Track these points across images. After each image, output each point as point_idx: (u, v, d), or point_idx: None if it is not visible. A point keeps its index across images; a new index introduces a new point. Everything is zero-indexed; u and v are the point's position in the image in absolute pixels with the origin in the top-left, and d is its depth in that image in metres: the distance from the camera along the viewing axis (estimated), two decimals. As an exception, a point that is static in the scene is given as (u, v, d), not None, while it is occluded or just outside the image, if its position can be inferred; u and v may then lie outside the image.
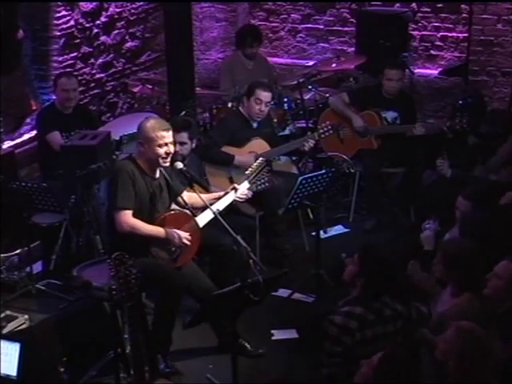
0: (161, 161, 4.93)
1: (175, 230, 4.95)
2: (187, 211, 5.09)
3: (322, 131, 6.50)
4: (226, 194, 5.30)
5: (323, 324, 3.94)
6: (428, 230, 5.01)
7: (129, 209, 4.86)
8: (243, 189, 5.39)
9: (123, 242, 4.72)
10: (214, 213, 4.86)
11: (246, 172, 5.56)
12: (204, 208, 5.08)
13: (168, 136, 4.95)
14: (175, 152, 5.67)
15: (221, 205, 5.19)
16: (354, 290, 4.07)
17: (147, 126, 4.95)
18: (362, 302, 3.97)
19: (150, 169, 5.00)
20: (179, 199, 5.17)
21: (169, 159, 4.98)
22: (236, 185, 5.39)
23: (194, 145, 5.93)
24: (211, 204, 5.07)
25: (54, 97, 6.87)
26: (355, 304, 3.98)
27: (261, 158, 5.66)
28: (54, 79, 6.80)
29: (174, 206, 5.20)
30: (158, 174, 5.04)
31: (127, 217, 4.85)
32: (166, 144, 4.93)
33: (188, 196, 5.20)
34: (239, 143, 6.42)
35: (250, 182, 5.47)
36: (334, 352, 3.87)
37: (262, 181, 5.89)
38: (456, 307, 4.15)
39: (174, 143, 5.22)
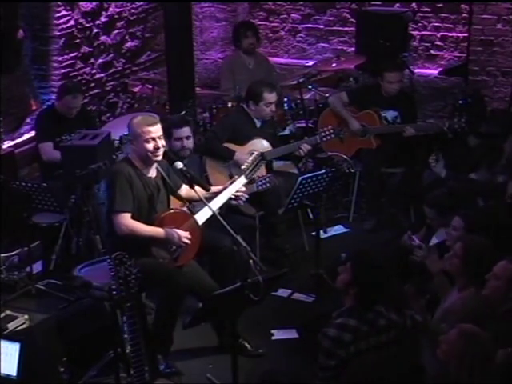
0: (151, 155, 4.92)
1: (174, 230, 4.94)
2: (186, 209, 5.10)
3: (323, 134, 6.49)
4: (225, 188, 5.29)
5: (318, 337, 3.90)
6: (417, 242, 5.04)
7: (127, 211, 4.86)
8: (240, 184, 5.37)
9: (123, 243, 4.71)
10: (212, 211, 4.86)
11: (242, 167, 5.54)
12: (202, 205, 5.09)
13: (154, 131, 4.93)
14: (183, 147, 5.69)
15: (218, 201, 5.18)
16: (347, 298, 4.02)
17: (134, 123, 4.98)
18: (356, 313, 3.92)
19: (145, 167, 4.99)
20: (181, 194, 5.19)
21: (159, 153, 4.95)
22: (236, 177, 5.38)
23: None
24: (209, 199, 5.06)
25: (54, 97, 6.89)
26: (349, 316, 3.92)
27: (256, 153, 5.63)
28: (60, 86, 6.77)
29: (172, 205, 5.20)
30: (154, 173, 5.03)
31: (126, 219, 4.85)
32: (153, 139, 4.91)
33: (187, 190, 5.20)
34: (241, 141, 6.42)
35: (246, 177, 5.45)
36: (328, 365, 3.83)
37: (264, 181, 5.90)
38: (460, 301, 4.18)
39: (167, 139, 5.30)
